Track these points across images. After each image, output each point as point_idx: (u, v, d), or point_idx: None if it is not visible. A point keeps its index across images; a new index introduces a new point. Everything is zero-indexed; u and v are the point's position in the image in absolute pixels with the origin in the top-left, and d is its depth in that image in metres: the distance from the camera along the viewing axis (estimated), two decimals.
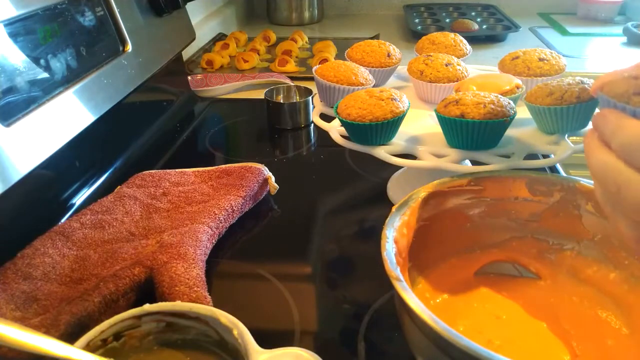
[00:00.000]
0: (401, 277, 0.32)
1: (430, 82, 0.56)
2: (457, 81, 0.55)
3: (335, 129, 0.52)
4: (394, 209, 0.38)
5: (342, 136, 0.51)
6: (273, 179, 0.58)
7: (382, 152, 0.48)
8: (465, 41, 0.64)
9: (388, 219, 0.37)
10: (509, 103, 0.45)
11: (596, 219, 0.39)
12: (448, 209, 0.42)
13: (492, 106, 0.44)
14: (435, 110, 0.47)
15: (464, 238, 0.43)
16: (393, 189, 0.59)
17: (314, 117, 0.56)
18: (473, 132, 0.45)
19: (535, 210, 0.42)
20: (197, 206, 0.52)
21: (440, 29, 1.25)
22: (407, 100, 0.49)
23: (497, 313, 0.39)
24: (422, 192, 0.40)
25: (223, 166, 0.59)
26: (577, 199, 0.40)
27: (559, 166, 0.64)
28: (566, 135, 0.48)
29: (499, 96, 0.46)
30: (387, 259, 0.33)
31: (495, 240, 0.43)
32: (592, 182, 0.40)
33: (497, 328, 0.38)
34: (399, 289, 0.31)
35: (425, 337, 0.30)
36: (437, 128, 0.49)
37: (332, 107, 0.51)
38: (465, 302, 0.40)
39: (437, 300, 0.40)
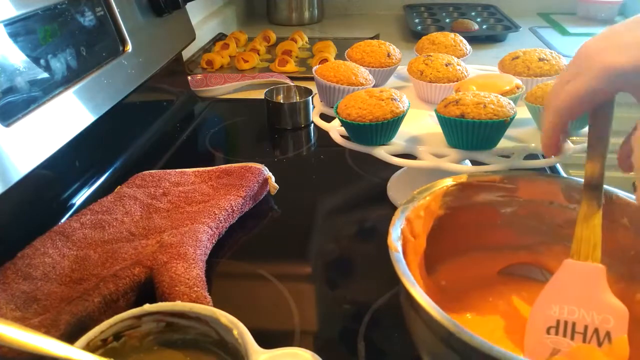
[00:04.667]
0: (399, 249, 0.32)
1: (430, 82, 0.56)
2: (457, 81, 0.55)
3: (335, 129, 0.52)
4: (415, 192, 0.38)
5: (342, 136, 0.51)
6: (273, 179, 0.58)
7: (382, 152, 0.48)
8: (465, 41, 0.64)
9: (407, 199, 0.37)
10: (509, 103, 0.45)
11: (632, 234, 0.38)
12: (478, 203, 0.41)
13: (492, 106, 0.44)
14: (435, 110, 0.47)
15: (493, 234, 0.42)
16: (393, 189, 0.59)
17: (314, 117, 0.56)
18: (473, 132, 0.45)
19: (570, 218, 0.40)
20: (197, 206, 0.52)
21: (440, 29, 1.25)
22: (407, 100, 0.49)
23: (508, 310, 0.39)
24: (450, 181, 0.40)
25: (223, 166, 0.59)
26: (614, 211, 0.38)
27: (559, 166, 0.64)
28: None
29: (499, 96, 0.46)
30: (392, 232, 0.33)
31: (525, 242, 0.42)
32: (629, 194, 0.39)
33: (503, 321, 0.38)
34: (401, 276, 0.30)
35: (424, 323, 0.30)
36: (437, 128, 0.49)
37: (332, 107, 0.51)
38: (481, 296, 0.40)
39: (453, 290, 0.40)
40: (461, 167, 0.47)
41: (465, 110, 0.44)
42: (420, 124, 0.53)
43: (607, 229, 0.39)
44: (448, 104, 0.46)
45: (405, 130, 0.51)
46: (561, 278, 0.35)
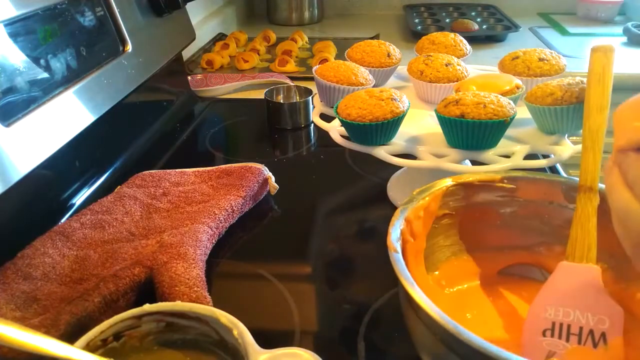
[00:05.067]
0: (399, 250, 0.32)
1: (430, 82, 0.56)
2: (457, 81, 0.55)
3: (335, 129, 0.52)
4: (415, 192, 0.38)
5: (342, 136, 0.51)
6: (273, 179, 0.58)
7: (382, 152, 0.48)
8: (465, 41, 0.64)
9: (406, 200, 0.37)
10: (509, 103, 0.45)
11: None
12: (478, 203, 0.41)
13: (493, 106, 0.44)
14: (436, 111, 0.47)
15: (492, 235, 0.42)
16: (393, 189, 0.59)
17: (314, 117, 0.56)
18: (473, 132, 0.45)
19: (570, 218, 0.39)
20: (197, 206, 0.52)
21: (440, 29, 1.25)
22: (407, 100, 0.49)
23: (508, 310, 0.39)
24: (449, 181, 0.40)
25: (223, 166, 0.59)
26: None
27: (559, 166, 0.64)
28: (566, 135, 0.48)
29: (499, 96, 0.46)
30: (391, 232, 0.33)
31: (525, 242, 0.42)
32: None
33: (503, 321, 0.38)
34: (400, 277, 0.30)
35: (424, 324, 0.30)
36: (437, 128, 0.49)
37: (332, 107, 0.51)
38: (480, 296, 0.40)
39: (452, 290, 0.40)
40: (461, 167, 0.47)
41: (465, 110, 0.44)
42: (420, 124, 0.53)
43: (605, 228, 0.38)
44: (448, 104, 0.46)
45: (405, 130, 0.51)
46: (556, 280, 0.35)
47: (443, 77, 0.55)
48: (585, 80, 0.46)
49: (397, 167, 0.58)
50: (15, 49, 0.48)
